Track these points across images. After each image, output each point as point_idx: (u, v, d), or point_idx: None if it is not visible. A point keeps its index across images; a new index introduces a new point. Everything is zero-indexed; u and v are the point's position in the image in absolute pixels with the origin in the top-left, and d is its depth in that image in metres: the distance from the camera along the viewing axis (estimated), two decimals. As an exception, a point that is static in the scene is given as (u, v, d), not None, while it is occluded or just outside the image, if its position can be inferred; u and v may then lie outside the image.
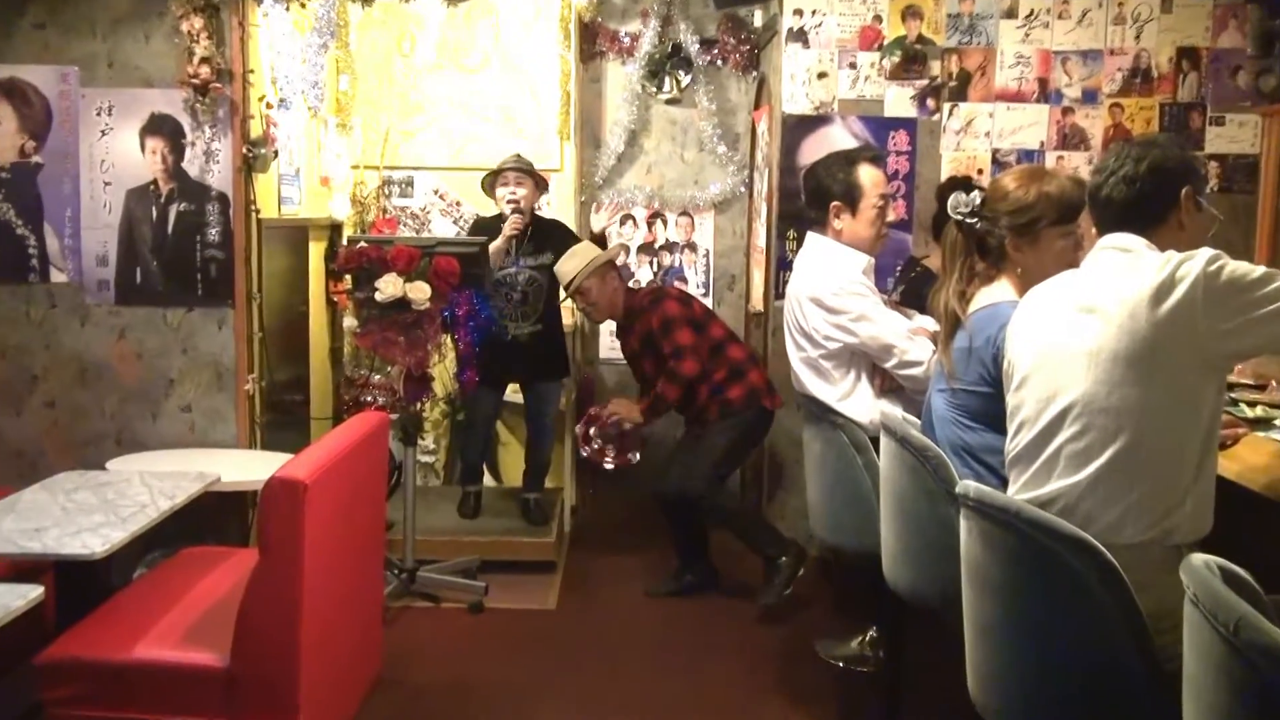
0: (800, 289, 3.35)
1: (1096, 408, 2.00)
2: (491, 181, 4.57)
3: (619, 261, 4.48)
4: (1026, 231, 2.51)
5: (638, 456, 4.25)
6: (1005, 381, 2.26)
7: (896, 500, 2.61)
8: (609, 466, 4.21)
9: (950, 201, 2.59)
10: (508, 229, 4.41)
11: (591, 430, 4.17)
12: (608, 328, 5.44)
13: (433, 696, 3.34)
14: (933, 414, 2.64)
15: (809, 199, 3.46)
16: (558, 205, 5.32)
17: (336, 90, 5.20)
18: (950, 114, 4.41)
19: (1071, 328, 2.07)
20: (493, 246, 4.37)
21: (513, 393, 4.82)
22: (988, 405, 2.45)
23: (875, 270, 3.42)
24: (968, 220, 2.58)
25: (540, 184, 4.59)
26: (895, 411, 3.03)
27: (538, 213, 4.66)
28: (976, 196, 2.57)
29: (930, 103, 4.41)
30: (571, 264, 4.28)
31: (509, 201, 4.45)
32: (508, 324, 4.51)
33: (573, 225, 5.15)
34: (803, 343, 3.37)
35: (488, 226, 4.51)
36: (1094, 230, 2.21)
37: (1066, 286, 2.16)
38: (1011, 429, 2.19)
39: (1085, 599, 1.82)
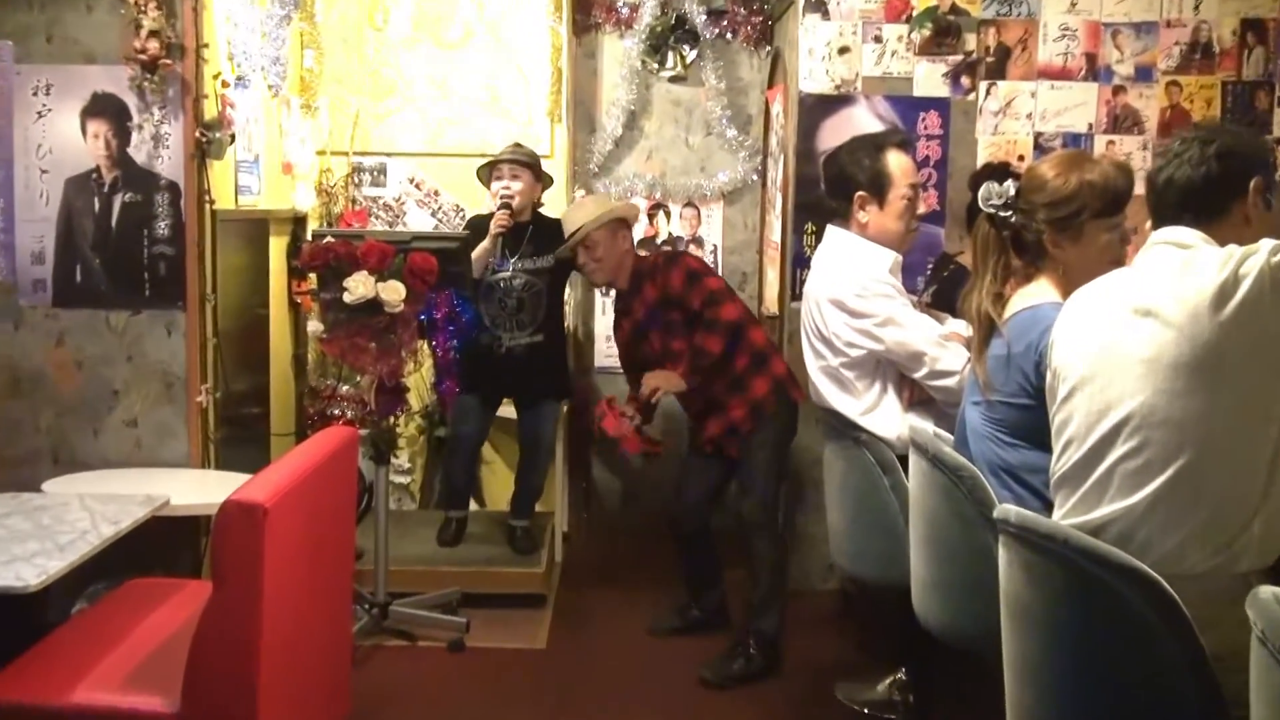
0: (819, 289, 3.35)
1: (1155, 421, 1.99)
2: (487, 173, 4.57)
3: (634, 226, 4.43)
4: (1067, 225, 2.51)
5: (661, 451, 4.26)
6: (1049, 394, 2.25)
7: (927, 526, 2.60)
8: (638, 449, 4.15)
9: (981, 193, 2.59)
10: (493, 227, 4.41)
11: (629, 411, 4.08)
12: (604, 332, 5.44)
13: (407, 746, 3.33)
14: (967, 429, 2.63)
15: (830, 188, 3.46)
16: (548, 196, 5.32)
17: (300, 67, 5.21)
18: (987, 93, 4.42)
19: (1125, 332, 2.06)
20: (478, 249, 4.37)
21: (504, 405, 4.82)
22: (1029, 419, 2.44)
23: (903, 268, 3.41)
24: (1001, 213, 2.57)
25: (541, 177, 4.59)
26: (925, 427, 3.03)
27: (540, 210, 4.67)
28: (1011, 186, 2.57)
29: (965, 81, 4.41)
30: (582, 213, 4.26)
31: (501, 196, 4.46)
32: (501, 334, 4.51)
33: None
34: (822, 350, 3.36)
35: (483, 226, 4.51)
36: (1148, 224, 2.21)
37: (1118, 286, 2.16)
38: (1058, 446, 2.19)
39: (1142, 637, 1.82)
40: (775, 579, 3.94)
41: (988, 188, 2.58)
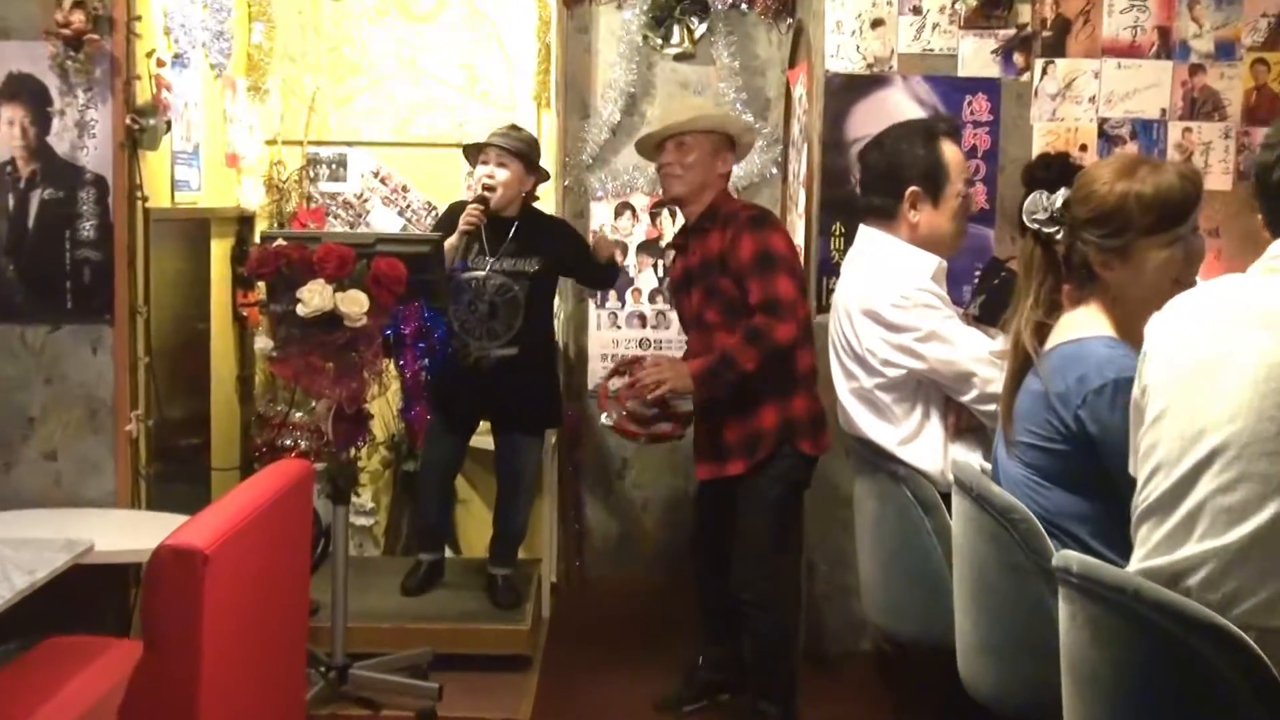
0: (851, 299, 3.35)
1: (1257, 452, 1.98)
2: (473, 155, 4.60)
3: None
4: (1113, 243, 2.51)
5: (683, 430, 4.10)
6: (1135, 416, 2.24)
7: (974, 577, 2.60)
8: (634, 434, 4.07)
9: (1026, 205, 2.59)
10: (463, 221, 4.43)
11: (628, 403, 3.98)
12: (599, 350, 5.45)
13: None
14: (1000, 473, 2.64)
15: (874, 182, 3.43)
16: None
17: (248, 44, 5.23)
18: (1044, 73, 4.43)
19: (1232, 347, 2.05)
20: (446, 243, 4.39)
21: (484, 431, 4.82)
22: (1064, 465, 2.45)
23: (948, 275, 3.41)
24: (1046, 229, 2.58)
25: (535, 169, 4.62)
26: (972, 459, 3.02)
27: (533, 206, 4.69)
28: (1059, 197, 2.57)
29: (1018, 59, 4.43)
30: (692, 108, 4.18)
31: (482, 183, 4.48)
32: (469, 342, 4.51)
33: (553, 212, 5.17)
34: (853, 369, 3.36)
35: (455, 212, 4.55)
36: (1265, 233, 2.19)
37: (1229, 294, 2.15)
38: (1143, 474, 2.18)
39: (1225, 703, 1.81)
40: (779, 666, 3.94)
41: (1034, 199, 2.58)
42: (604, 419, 4.05)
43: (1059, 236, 2.57)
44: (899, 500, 3.17)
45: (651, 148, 4.16)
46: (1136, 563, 2.11)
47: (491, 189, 4.47)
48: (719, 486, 4.02)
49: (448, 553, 5.13)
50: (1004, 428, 2.60)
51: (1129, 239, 2.49)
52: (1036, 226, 2.59)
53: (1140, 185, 2.50)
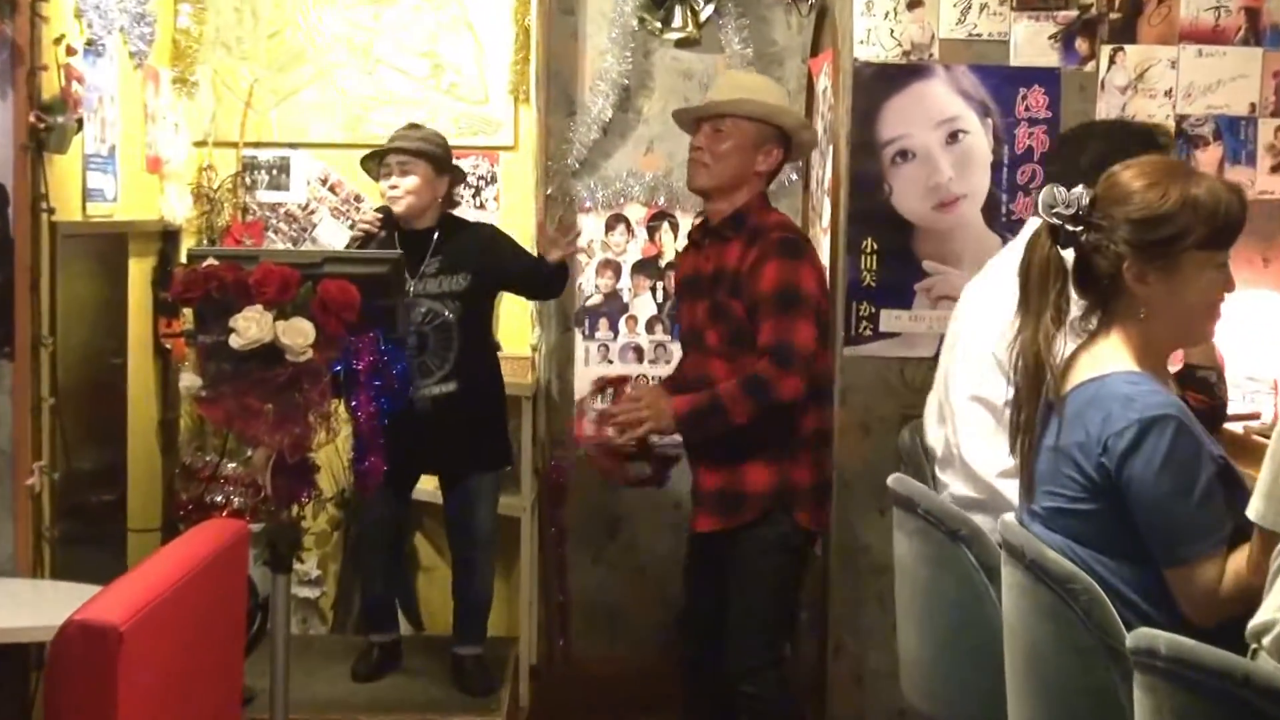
0: (999, 295, 3.28)
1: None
2: (374, 167, 4.66)
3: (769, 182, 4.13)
4: (1159, 253, 2.52)
5: (663, 476, 4.12)
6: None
7: (1029, 660, 2.60)
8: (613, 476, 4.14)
9: (1043, 196, 2.58)
10: (356, 228, 4.50)
11: (608, 431, 4.01)
12: (589, 389, 5.46)
13: None
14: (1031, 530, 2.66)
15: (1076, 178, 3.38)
16: (509, 202, 5.36)
17: (173, 28, 5.25)
18: (1111, 62, 4.45)
19: None
20: None
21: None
22: (1100, 526, 2.46)
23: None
24: (1068, 227, 2.58)
25: (445, 169, 4.65)
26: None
27: (452, 213, 4.74)
28: (1084, 193, 2.57)
29: (1081, 45, 4.45)
30: (741, 88, 4.10)
31: (390, 198, 4.55)
32: None
33: (531, 227, 5.19)
34: (986, 375, 3.34)
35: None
36: None
37: None
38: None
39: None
40: None
41: (1052, 192, 2.58)
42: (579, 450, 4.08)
43: (1083, 238, 2.56)
44: (959, 566, 3.16)
45: (687, 124, 4.15)
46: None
47: (396, 200, 4.53)
48: (707, 549, 4.04)
49: (407, 629, 5.13)
50: (1021, 489, 2.61)
51: (1179, 250, 2.50)
52: (1057, 222, 2.58)
53: (1197, 189, 2.51)
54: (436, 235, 4.61)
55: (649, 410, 3.82)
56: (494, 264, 4.66)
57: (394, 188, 4.54)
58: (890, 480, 3.43)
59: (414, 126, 4.71)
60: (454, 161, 4.75)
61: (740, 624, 3.92)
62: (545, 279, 4.74)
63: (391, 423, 4.41)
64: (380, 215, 4.52)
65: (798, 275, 3.83)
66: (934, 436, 3.65)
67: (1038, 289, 2.60)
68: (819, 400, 4.00)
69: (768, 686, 3.88)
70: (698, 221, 4.25)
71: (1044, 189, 2.59)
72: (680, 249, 4.36)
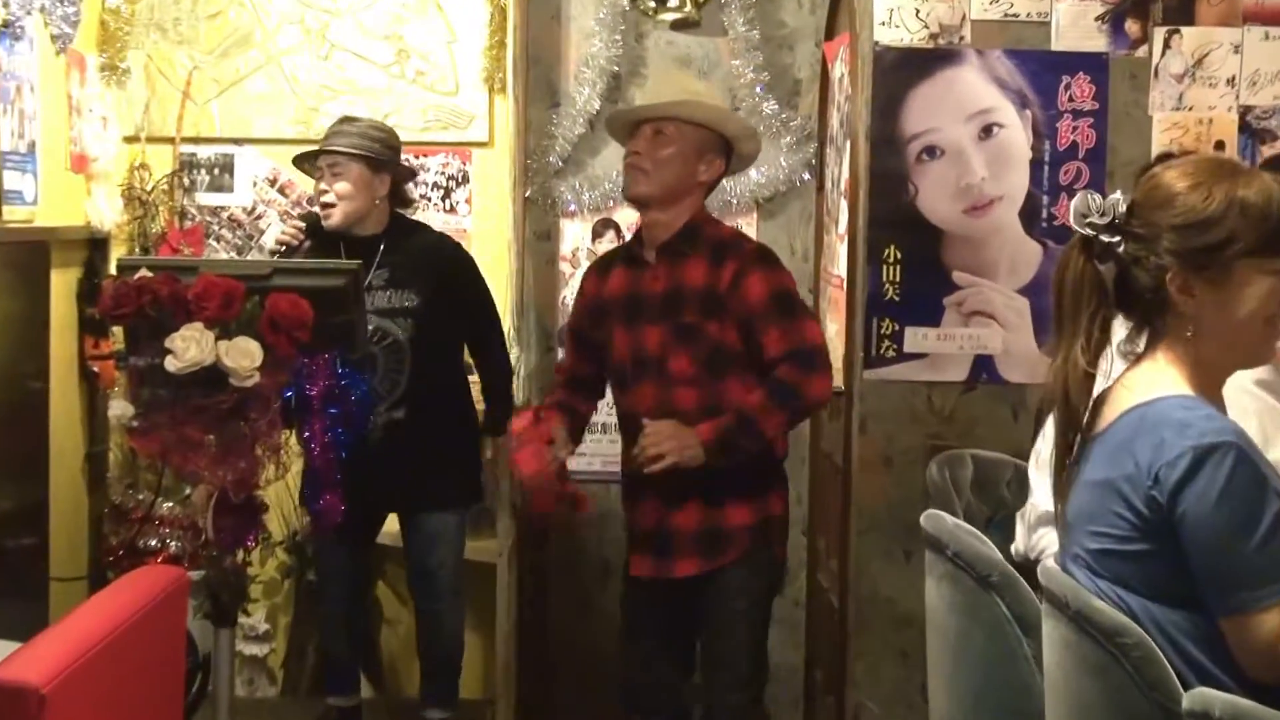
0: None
1: None
2: (309, 168, 4.70)
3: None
4: (1206, 262, 2.52)
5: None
6: None
7: (1077, 720, 2.61)
8: (551, 507, 4.26)
9: (1075, 204, 2.59)
10: (275, 240, 4.52)
11: (559, 436, 4.11)
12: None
13: None
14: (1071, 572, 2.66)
15: None
16: (483, 204, 5.37)
17: (101, 8, 5.26)
18: (1166, 46, 4.47)
19: None
20: None
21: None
22: (1153, 569, 2.46)
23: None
24: (1104, 237, 2.59)
25: (383, 168, 4.65)
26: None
27: (400, 214, 4.76)
28: (1120, 199, 2.58)
29: (1131, 27, 4.47)
30: (686, 91, 4.24)
31: (322, 205, 4.57)
32: None
33: (508, 233, 5.20)
34: None
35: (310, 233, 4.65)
36: None
37: None
38: None
39: None
40: None
41: (1085, 199, 2.58)
42: (522, 470, 4.13)
43: (1121, 249, 2.57)
44: (990, 616, 3.17)
45: (623, 129, 4.23)
46: None
47: (328, 207, 4.54)
48: (657, 595, 4.13)
49: (368, 691, 5.13)
50: (1059, 533, 2.61)
51: (1227, 258, 2.51)
52: (1091, 232, 2.59)
53: (1246, 191, 2.52)
54: (382, 244, 4.63)
55: (673, 442, 3.91)
56: (445, 291, 4.68)
57: (323, 193, 4.56)
58: (923, 519, 3.43)
59: (349, 120, 4.72)
60: (401, 155, 4.76)
61: (722, 665, 4.03)
62: (497, 353, 4.85)
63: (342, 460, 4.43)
64: (302, 225, 4.51)
65: (784, 280, 4.04)
66: (1044, 493, 3.62)
67: (1071, 309, 2.60)
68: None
69: (750, 705, 4.03)
70: (629, 237, 4.39)
71: (1077, 195, 2.60)
72: (596, 266, 4.36)
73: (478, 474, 4.87)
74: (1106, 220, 2.55)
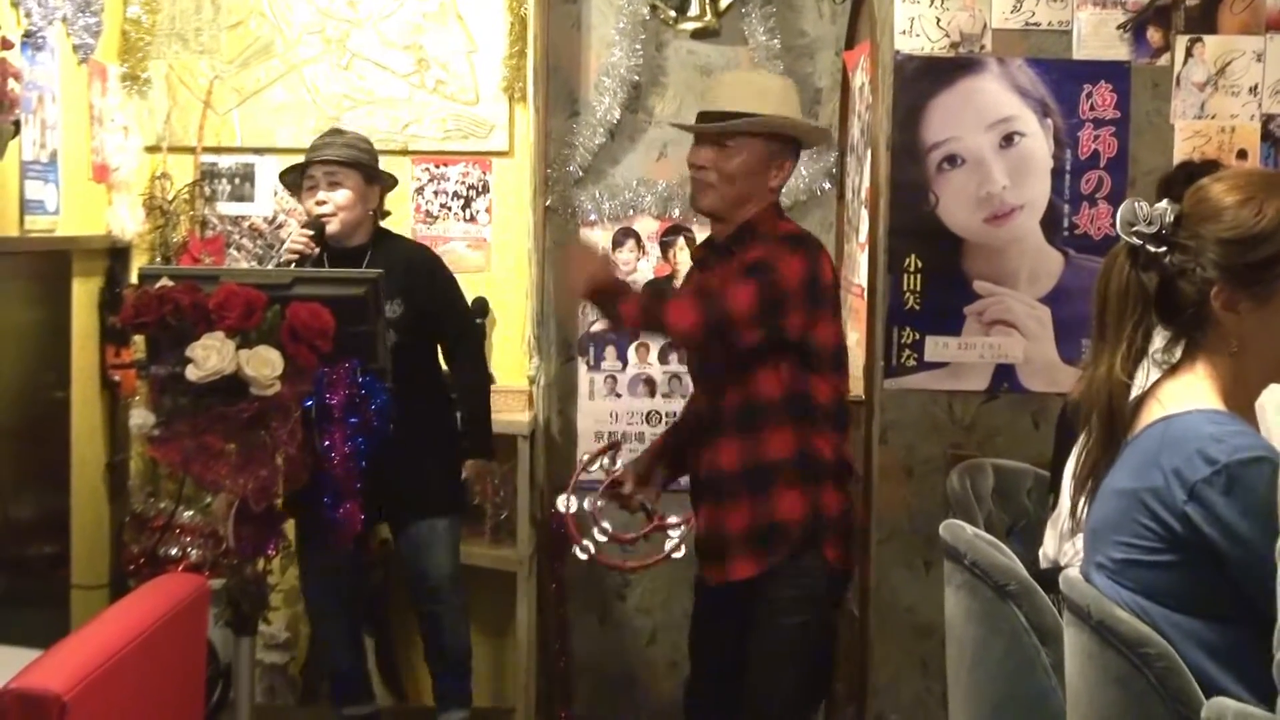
0: None
1: None
2: (295, 180, 4.68)
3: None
4: (1252, 278, 2.51)
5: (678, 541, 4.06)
6: None
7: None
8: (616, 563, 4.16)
9: (1122, 213, 2.57)
10: (285, 249, 4.51)
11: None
12: (593, 428, 5.46)
13: None
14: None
15: None
16: (503, 214, 5.38)
17: (122, 19, 5.27)
18: (1189, 55, 4.47)
19: None
20: None
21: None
22: (1177, 580, 2.45)
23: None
24: (1149, 247, 2.57)
25: (376, 179, 4.68)
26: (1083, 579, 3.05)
27: (382, 225, 4.76)
28: (1168, 209, 2.57)
29: (1153, 36, 4.46)
30: (750, 92, 3.92)
31: (320, 215, 4.56)
32: None
33: (528, 242, 5.20)
34: None
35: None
36: None
37: None
38: None
39: None
40: None
41: (1131, 208, 2.56)
42: (578, 552, 4.06)
43: (1168, 260, 2.54)
44: (1008, 626, 3.16)
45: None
46: None
47: (328, 217, 4.53)
48: (722, 606, 4.03)
49: (387, 699, 5.12)
50: (1084, 543, 2.61)
51: (1276, 274, 2.48)
52: (1139, 241, 2.55)
53: None
54: (370, 253, 4.63)
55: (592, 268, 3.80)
56: (425, 299, 4.67)
57: (322, 204, 4.55)
58: (942, 528, 3.43)
59: (337, 132, 4.72)
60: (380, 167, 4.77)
61: (763, 690, 3.92)
62: (469, 365, 4.83)
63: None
64: (310, 234, 4.51)
65: (778, 258, 3.75)
66: None
67: (1115, 319, 2.57)
68: (834, 426, 3.94)
69: None
70: (702, 240, 4.18)
71: (1124, 203, 2.58)
72: (685, 273, 4.36)
73: (460, 483, 4.87)
74: (1154, 230, 2.53)
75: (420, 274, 4.69)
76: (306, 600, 4.90)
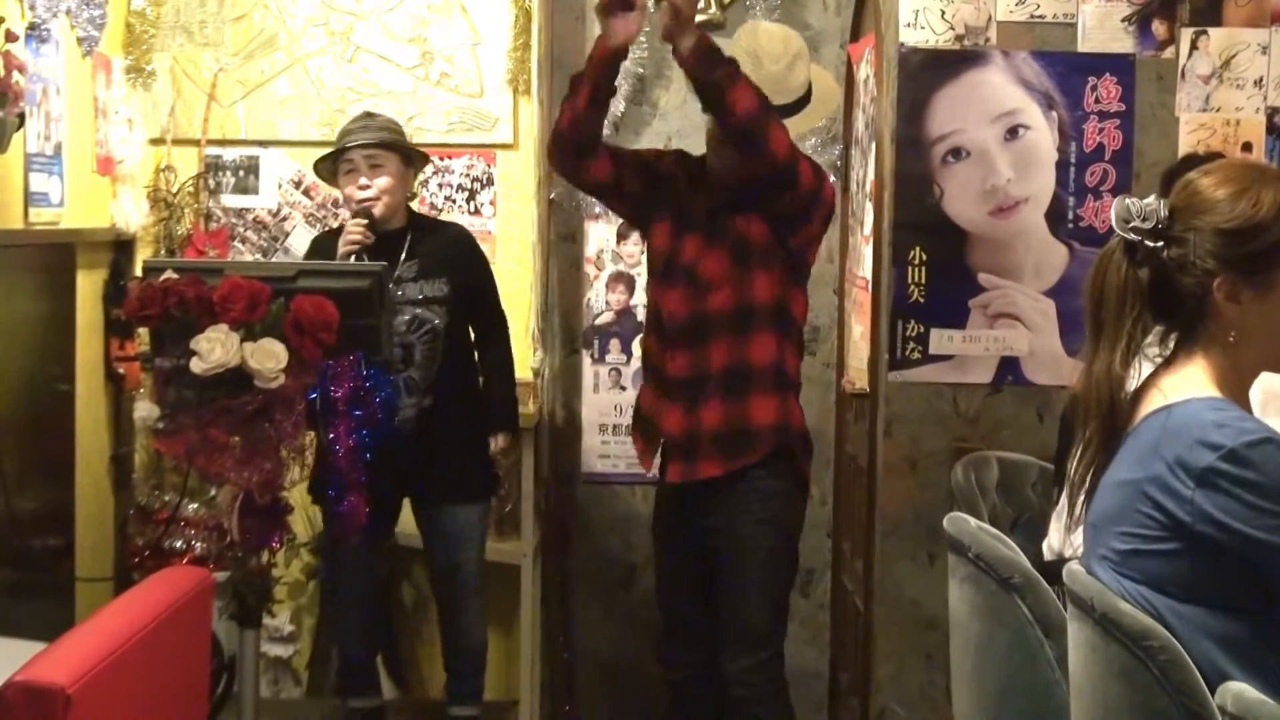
0: None
1: None
2: (329, 168, 4.66)
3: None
4: (1254, 268, 2.52)
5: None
6: None
7: (1103, 725, 2.60)
8: None
9: (1116, 209, 2.57)
10: (344, 242, 4.49)
11: None
12: (597, 420, 5.46)
13: None
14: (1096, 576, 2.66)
15: None
16: (507, 206, 5.38)
17: (126, 11, 5.28)
18: (1193, 47, 4.46)
19: None
20: None
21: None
22: (1182, 569, 2.45)
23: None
24: (1147, 242, 2.58)
25: (413, 160, 4.69)
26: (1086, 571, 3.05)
27: (418, 210, 4.78)
28: (1160, 203, 2.57)
29: (1158, 28, 4.46)
30: (781, 47, 4.26)
31: (360, 201, 4.55)
32: None
33: (532, 235, 5.21)
34: None
35: (328, 247, 4.62)
36: None
37: None
38: None
39: None
40: None
41: (1124, 204, 2.56)
42: None
43: (1165, 254, 2.53)
44: (1012, 619, 3.16)
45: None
46: None
47: (373, 201, 4.53)
48: (686, 517, 4.17)
49: (392, 692, 5.13)
50: (1085, 537, 2.61)
51: (1277, 263, 2.50)
52: (1135, 237, 2.55)
53: None
54: (410, 234, 4.63)
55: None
56: (468, 279, 4.70)
57: (365, 188, 4.54)
58: (946, 521, 3.42)
59: (370, 115, 4.71)
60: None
61: (738, 613, 4.07)
62: (503, 348, 4.87)
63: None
64: (364, 222, 4.51)
65: (821, 176, 4.17)
66: None
67: (1115, 315, 2.57)
68: (796, 345, 4.24)
69: (764, 689, 4.03)
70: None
71: (1116, 200, 2.58)
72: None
73: (493, 467, 4.87)
74: (1149, 225, 2.54)
75: (462, 251, 4.72)
76: (327, 589, 4.90)
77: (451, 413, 4.61)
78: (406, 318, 4.56)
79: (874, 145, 4.73)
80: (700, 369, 4.09)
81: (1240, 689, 2.03)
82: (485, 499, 4.82)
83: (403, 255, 4.59)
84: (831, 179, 4.19)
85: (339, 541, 4.54)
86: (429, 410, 4.58)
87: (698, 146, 5.43)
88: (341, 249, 4.45)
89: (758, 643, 4.07)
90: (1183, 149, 4.42)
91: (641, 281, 5.50)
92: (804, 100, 4.21)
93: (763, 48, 4.26)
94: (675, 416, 4.15)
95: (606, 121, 5.37)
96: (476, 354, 4.85)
